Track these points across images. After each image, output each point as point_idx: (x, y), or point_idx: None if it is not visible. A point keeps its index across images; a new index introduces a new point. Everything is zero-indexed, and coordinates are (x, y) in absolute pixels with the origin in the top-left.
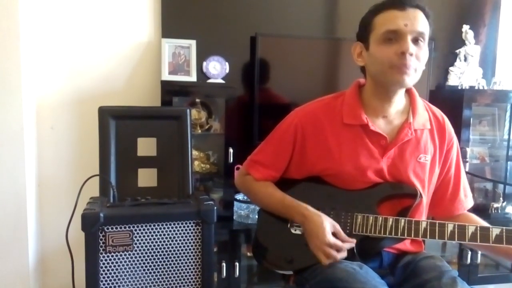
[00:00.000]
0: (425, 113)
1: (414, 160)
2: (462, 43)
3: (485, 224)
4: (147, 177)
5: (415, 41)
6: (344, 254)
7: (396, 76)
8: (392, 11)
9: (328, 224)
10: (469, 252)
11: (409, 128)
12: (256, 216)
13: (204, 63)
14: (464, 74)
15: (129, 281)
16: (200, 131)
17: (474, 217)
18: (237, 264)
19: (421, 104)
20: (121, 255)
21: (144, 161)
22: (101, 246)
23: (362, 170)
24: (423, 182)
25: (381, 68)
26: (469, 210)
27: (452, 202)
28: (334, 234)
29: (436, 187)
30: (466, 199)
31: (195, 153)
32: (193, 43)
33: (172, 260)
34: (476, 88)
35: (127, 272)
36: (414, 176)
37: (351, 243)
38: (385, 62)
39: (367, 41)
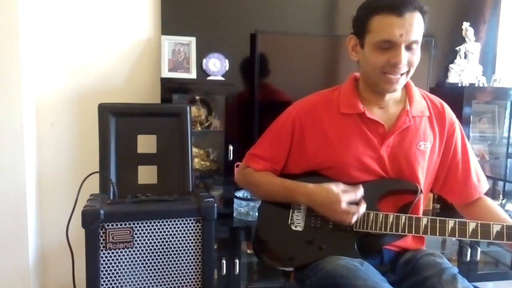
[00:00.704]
0: (422, 101)
1: (414, 148)
2: (462, 40)
3: (503, 213)
4: (147, 174)
5: (409, 47)
6: (363, 207)
7: (386, 86)
8: (390, 17)
9: (333, 187)
10: (469, 249)
11: (407, 115)
12: (256, 213)
13: (204, 60)
14: (464, 72)
15: (130, 278)
16: (200, 128)
17: (493, 204)
18: (237, 261)
19: (418, 92)
20: (121, 252)
21: (144, 158)
22: (102, 243)
23: (360, 158)
24: (423, 169)
25: (373, 72)
26: None
27: (465, 186)
28: (343, 192)
29: (446, 173)
30: (480, 183)
31: (195, 150)
32: (193, 40)
33: (173, 257)
34: (476, 85)
35: (128, 269)
36: (415, 165)
37: (360, 190)
38: (377, 67)
39: (362, 40)
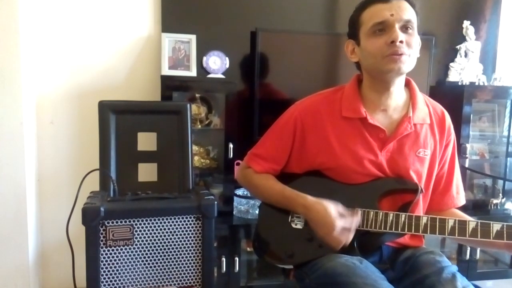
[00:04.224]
0: (425, 108)
1: (413, 155)
2: (462, 39)
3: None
4: (147, 172)
5: (404, 29)
6: (352, 234)
7: (391, 65)
8: (377, 5)
9: (332, 209)
10: (468, 248)
11: (409, 122)
12: (256, 212)
13: (204, 58)
14: (464, 70)
15: (130, 275)
16: (200, 126)
17: (462, 214)
18: (237, 259)
19: (421, 98)
20: (121, 249)
21: (144, 155)
22: (102, 240)
23: (360, 162)
24: (421, 176)
25: (374, 60)
26: (468, 207)
27: (442, 196)
28: (340, 216)
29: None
30: (458, 196)
31: (195, 148)
32: (193, 37)
33: (173, 255)
34: (477, 84)
35: (128, 266)
36: (413, 171)
37: (358, 219)
38: (377, 53)
39: (357, 38)
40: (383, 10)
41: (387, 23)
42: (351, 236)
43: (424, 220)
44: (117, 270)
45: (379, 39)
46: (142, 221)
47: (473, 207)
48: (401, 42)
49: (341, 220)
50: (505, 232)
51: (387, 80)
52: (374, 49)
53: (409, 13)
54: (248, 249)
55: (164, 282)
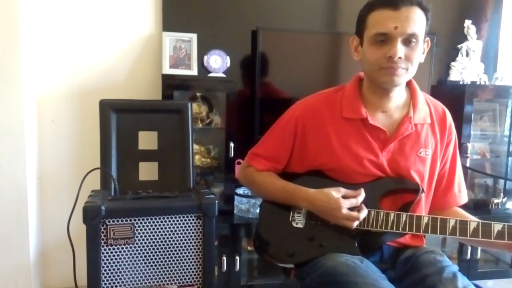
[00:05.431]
0: (425, 107)
1: (414, 155)
2: (464, 38)
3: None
4: (148, 171)
5: (407, 42)
6: (365, 211)
7: (385, 78)
8: (385, 11)
9: (333, 193)
10: (469, 248)
11: (409, 122)
12: (257, 211)
13: (205, 57)
14: (465, 69)
15: (131, 274)
16: (200, 125)
17: (464, 213)
18: (237, 258)
19: (422, 98)
20: (122, 248)
21: (145, 154)
22: (103, 239)
23: (361, 162)
24: (422, 176)
25: (371, 68)
26: (469, 206)
27: (444, 195)
28: (343, 197)
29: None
30: (460, 194)
31: (196, 147)
32: (194, 36)
33: (173, 254)
34: (478, 83)
35: (129, 265)
36: (414, 171)
37: (361, 195)
38: (374, 63)
39: (362, 37)
40: (389, 20)
41: (390, 35)
42: (363, 212)
43: (425, 220)
44: (118, 269)
45: (379, 49)
46: (143, 220)
47: (474, 207)
48: (399, 58)
49: (345, 200)
50: (506, 232)
51: (385, 88)
52: (372, 58)
53: (415, 25)
54: (249, 248)
55: (165, 281)
